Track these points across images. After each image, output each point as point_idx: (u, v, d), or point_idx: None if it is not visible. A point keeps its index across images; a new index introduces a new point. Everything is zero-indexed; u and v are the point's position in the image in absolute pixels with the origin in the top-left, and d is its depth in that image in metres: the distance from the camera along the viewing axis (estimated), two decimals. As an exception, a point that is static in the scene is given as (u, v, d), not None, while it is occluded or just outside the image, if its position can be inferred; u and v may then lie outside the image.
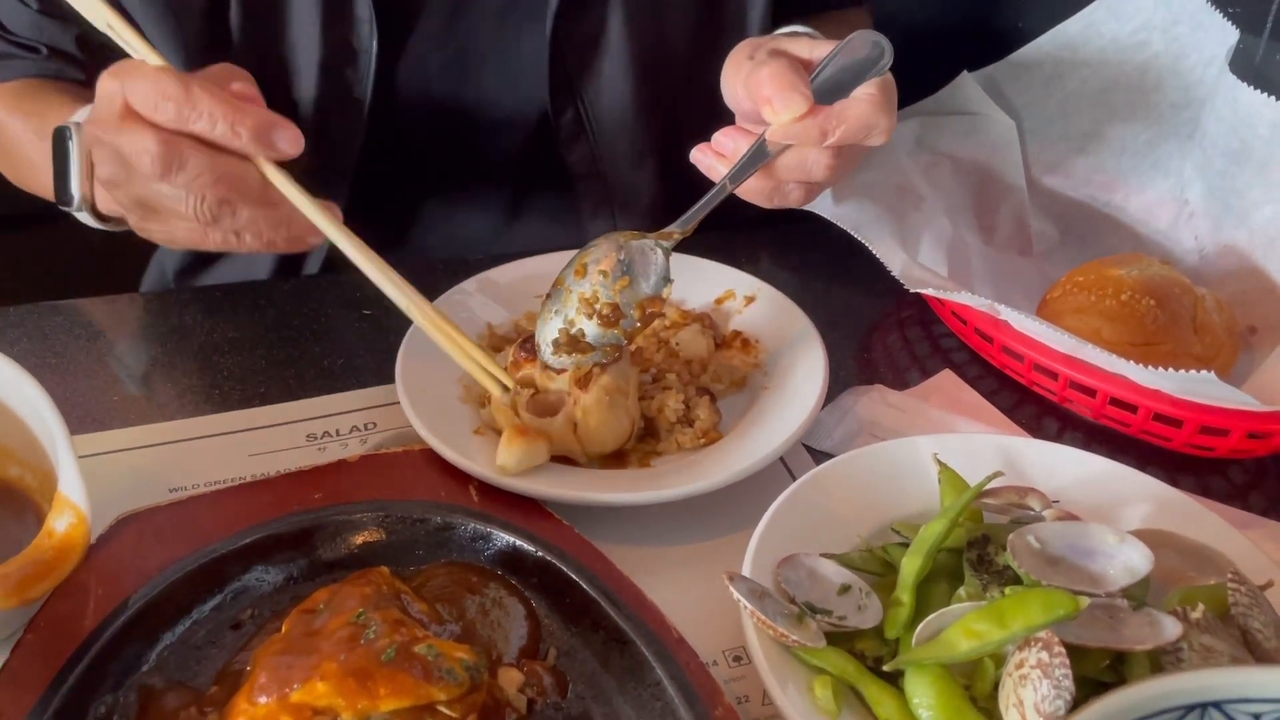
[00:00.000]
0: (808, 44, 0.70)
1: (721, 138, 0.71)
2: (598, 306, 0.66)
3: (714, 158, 0.71)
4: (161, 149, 0.61)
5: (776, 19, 0.88)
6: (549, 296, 0.67)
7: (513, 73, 0.87)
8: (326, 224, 0.66)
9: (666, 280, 0.66)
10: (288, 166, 0.66)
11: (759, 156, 0.68)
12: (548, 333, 0.66)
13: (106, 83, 0.63)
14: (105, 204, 0.72)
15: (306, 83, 0.83)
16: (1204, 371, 0.58)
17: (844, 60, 0.68)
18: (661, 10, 0.86)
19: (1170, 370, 0.59)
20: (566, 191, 0.92)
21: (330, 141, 0.85)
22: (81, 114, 0.72)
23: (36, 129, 0.80)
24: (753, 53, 0.71)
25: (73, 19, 0.70)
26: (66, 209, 0.73)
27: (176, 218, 0.65)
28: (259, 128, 0.62)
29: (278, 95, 0.84)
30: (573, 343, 0.66)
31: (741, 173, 0.68)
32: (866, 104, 0.65)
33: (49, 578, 0.50)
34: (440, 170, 0.92)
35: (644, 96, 0.88)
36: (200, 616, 0.55)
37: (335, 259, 0.90)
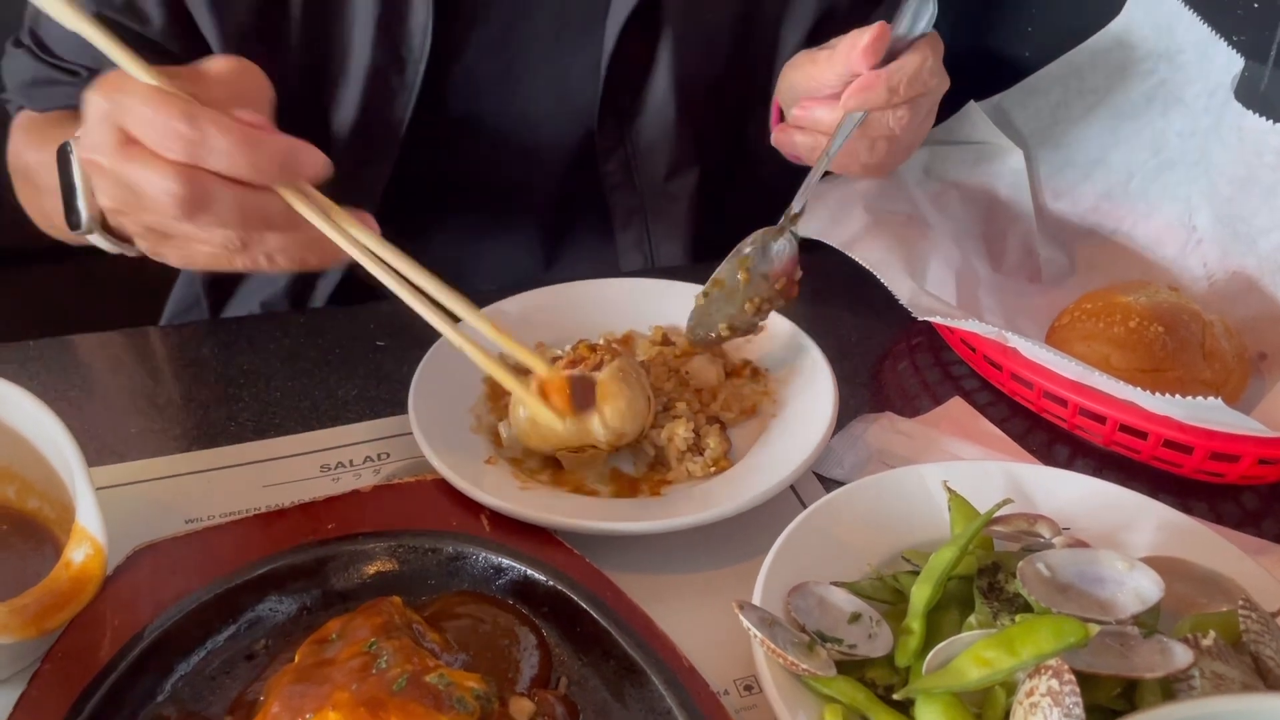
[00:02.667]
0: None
1: (809, 109, 0.76)
2: (758, 302, 0.73)
3: (805, 134, 0.77)
4: (184, 190, 0.56)
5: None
6: (708, 296, 0.74)
7: (561, 90, 0.89)
8: (349, 246, 0.62)
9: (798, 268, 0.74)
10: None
11: (845, 129, 0.74)
12: (710, 325, 0.74)
13: (96, 102, 0.58)
14: (118, 222, 0.68)
15: (351, 91, 0.84)
16: (1212, 398, 0.58)
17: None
18: (706, 37, 0.89)
19: (1178, 397, 0.59)
20: (602, 205, 0.94)
21: (363, 157, 0.86)
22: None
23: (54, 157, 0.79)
24: (815, 53, 0.78)
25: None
26: (79, 233, 0.69)
27: (197, 243, 0.62)
28: (282, 160, 0.58)
29: (318, 101, 0.84)
30: (732, 331, 0.74)
31: (836, 147, 0.74)
32: (917, 57, 0.71)
33: (66, 609, 0.50)
34: (478, 189, 0.93)
35: (682, 113, 0.90)
36: (215, 647, 0.55)
37: (345, 290, 0.92)
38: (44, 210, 0.84)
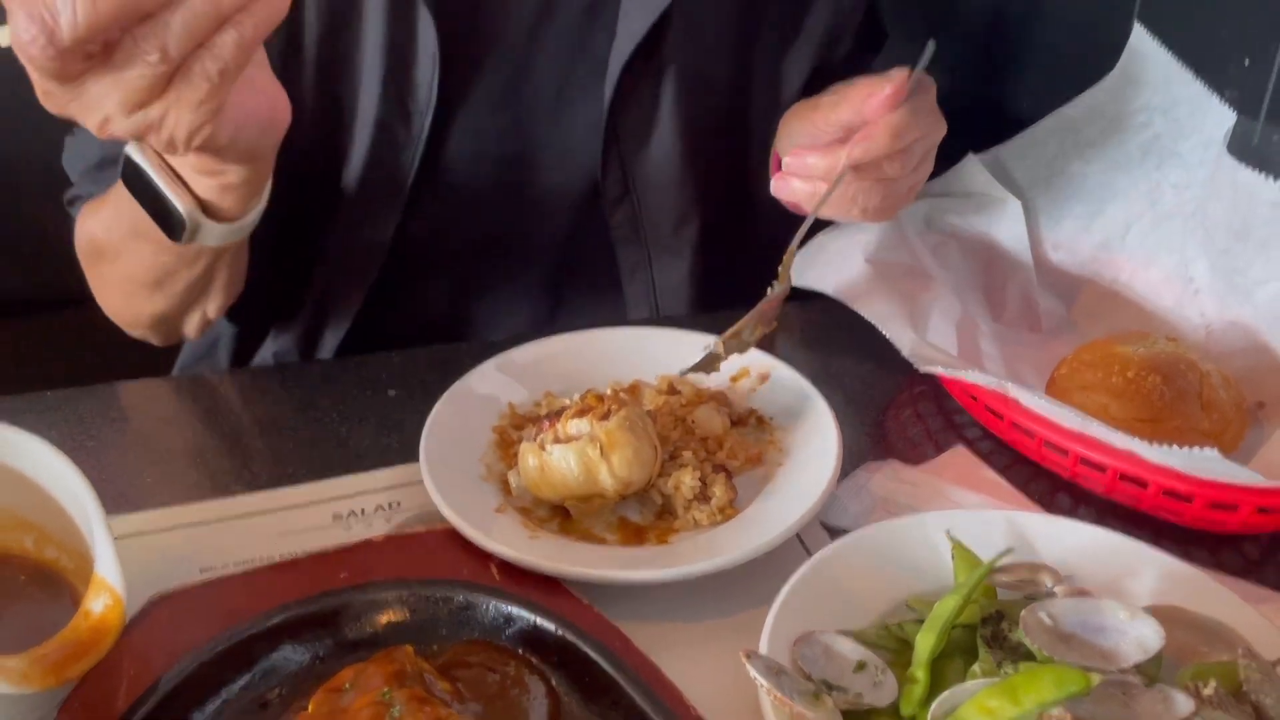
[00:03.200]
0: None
1: (802, 157, 0.79)
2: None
3: (804, 181, 0.79)
4: (21, 8, 0.50)
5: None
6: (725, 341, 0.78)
7: (565, 141, 0.91)
8: None
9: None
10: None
11: (837, 180, 0.77)
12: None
13: None
14: (205, 188, 0.69)
15: (359, 144, 0.86)
16: (1207, 449, 0.59)
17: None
18: (705, 88, 0.91)
19: (1175, 447, 0.60)
20: (607, 255, 0.96)
21: (371, 208, 0.88)
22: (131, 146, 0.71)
23: (116, 204, 0.78)
24: (817, 101, 0.81)
25: None
26: (185, 235, 0.71)
27: (156, 103, 0.56)
28: None
29: (328, 153, 0.86)
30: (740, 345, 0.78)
31: (828, 194, 0.77)
32: (916, 104, 0.75)
33: (85, 659, 0.51)
34: (483, 240, 0.95)
35: (685, 165, 0.92)
36: (229, 696, 0.56)
37: (354, 339, 0.94)
38: (121, 276, 0.85)
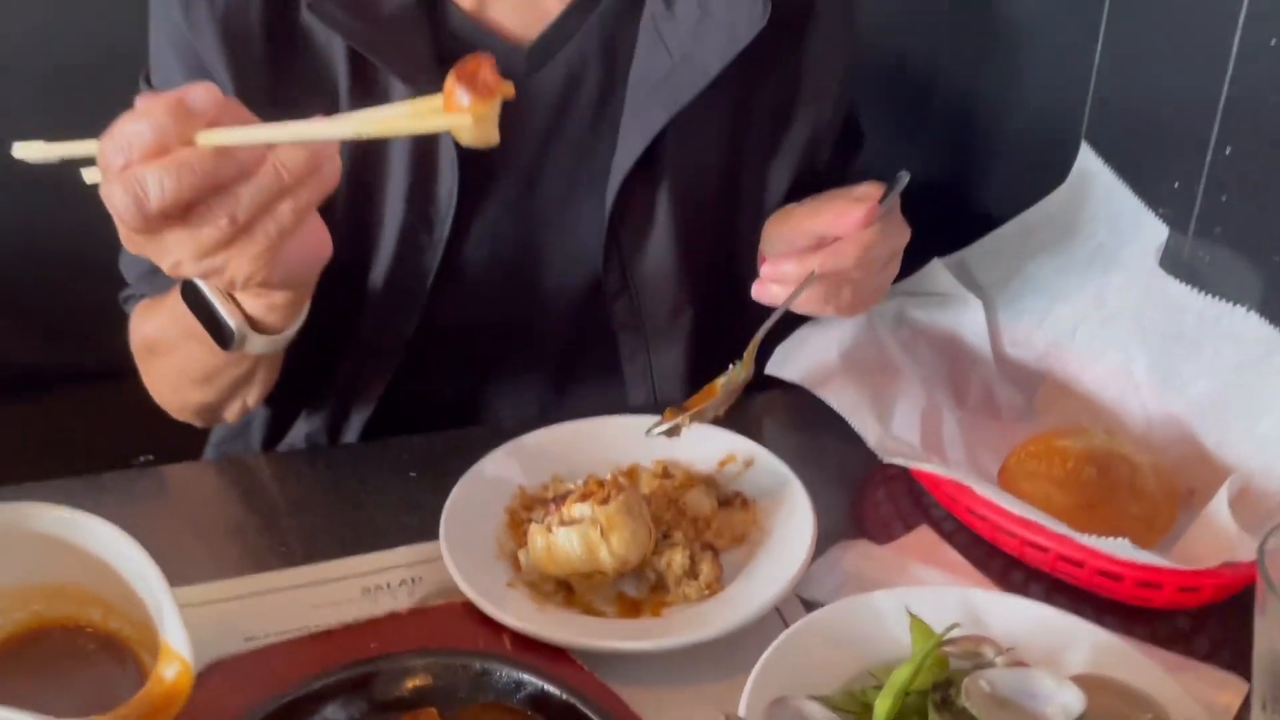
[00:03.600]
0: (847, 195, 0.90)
1: (778, 265, 0.89)
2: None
3: (780, 286, 0.89)
4: (124, 189, 0.61)
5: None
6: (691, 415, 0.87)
7: (571, 241, 1.00)
8: (274, 130, 0.63)
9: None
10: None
11: (805, 283, 0.87)
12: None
13: None
14: (255, 308, 0.80)
15: (385, 248, 0.95)
16: (1120, 539, 0.68)
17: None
18: (697, 194, 1.00)
19: (1094, 536, 0.70)
20: (608, 342, 1.05)
21: (394, 305, 0.97)
22: None
23: (171, 311, 0.87)
24: (795, 209, 0.91)
25: None
26: (234, 345, 0.81)
27: (221, 253, 0.66)
28: (167, 106, 0.62)
29: (357, 258, 0.95)
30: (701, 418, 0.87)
31: (795, 296, 0.87)
32: (883, 224, 0.86)
33: (158, 719, 0.60)
34: (494, 329, 1.04)
35: (680, 261, 1.01)
36: (278, 752, 0.65)
37: (377, 423, 1.03)
38: (172, 371, 0.95)
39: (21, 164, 1.34)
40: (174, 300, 0.85)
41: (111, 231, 0.97)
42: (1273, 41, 0.82)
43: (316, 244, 0.76)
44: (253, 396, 0.95)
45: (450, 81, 0.61)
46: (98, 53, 1.30)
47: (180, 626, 0.63)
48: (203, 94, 0.63)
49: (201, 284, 0.80)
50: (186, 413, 1.00)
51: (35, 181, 1.32)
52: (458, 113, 0.61)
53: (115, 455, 1.01)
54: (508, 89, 0.63)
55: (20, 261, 1.36)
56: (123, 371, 1.04)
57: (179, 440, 1.07)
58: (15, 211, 1.34)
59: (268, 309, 0.80)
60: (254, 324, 0.82)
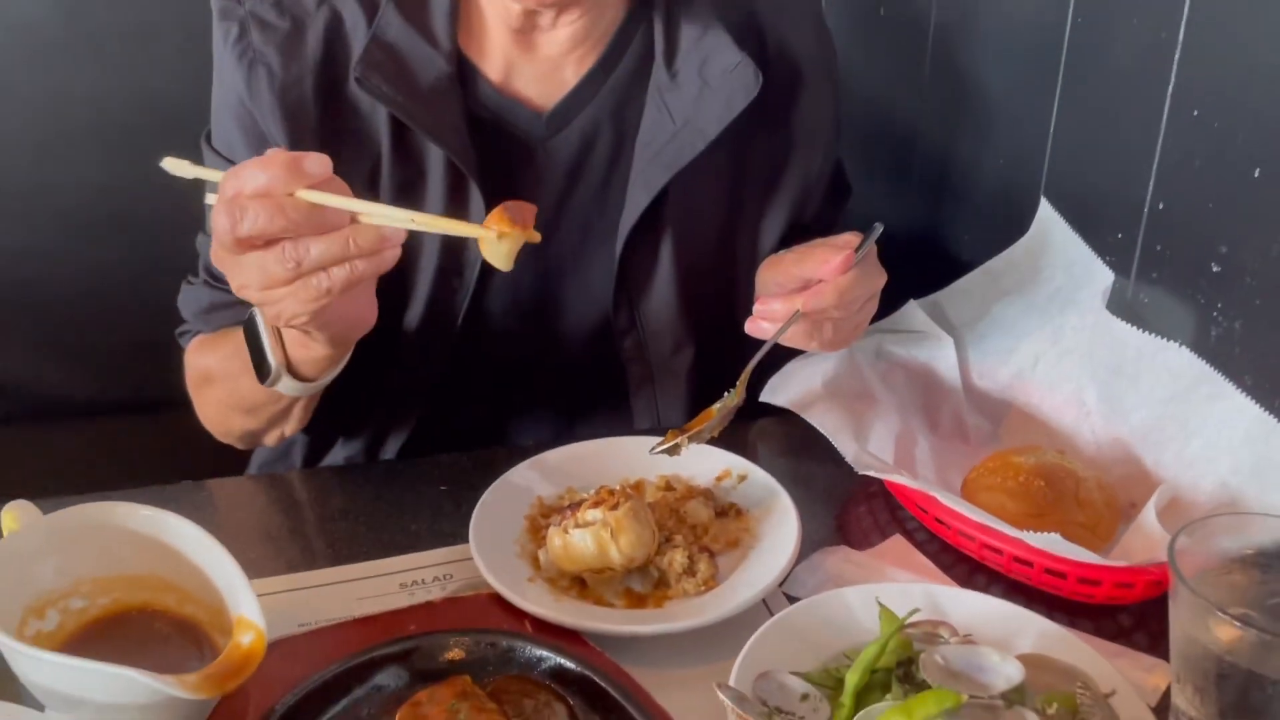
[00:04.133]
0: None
1: (767, 304, 0.98)
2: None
3: (770, 323, 0.98)
4: (227, 210, 0.75)
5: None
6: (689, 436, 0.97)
7: (584, 285, 1.11)
8: (365, 205, 0.76)
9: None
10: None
11: (791, 320, 0.96)
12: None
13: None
14: (296, 353, 0.91)
15: (421, 291, 1.05)
16: (1051, 534, 0.79)
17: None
18: (697, 243, 1.11)
19: (1035, 532, 0.81)
20: (617, 375, 1.15)
21: (427, 342, 1.07)
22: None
23: (233, 345, 0.99)
24: (784, 255, 1.00)
25: None
26: (269, 381, 0.93)
27: (280, 289, 0.78)
28: (285, 163, 0.74)
29: (396, 302, 1.06)
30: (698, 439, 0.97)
31: (782, 331, 0.97)
32: (860, 271, 0.96)
33: (238, 677, 0.70)
34: (513, 364, 1.14)
35: (682, 303, 1.11)
36: (333, 714, 0.75)
37: (410, 447, 1.14)
38: (220, 399, 1.07)
39: (89, 212, 1.48)
40: (236, 337, 0.97)
41: (166, 279, 1.13)
42: (1195, 113, 0.94)
43: (363, 310, 0.89)
44: (290, 428, 1.07)
45: (500, 209, 0.79)
46: (144, 108, 1.45)
47: (255, 600, 0.74)
48: (317, 163, 0.75)
49: (260, 322, 0.92)
50: (231, 436, 1.12)
51: (94, 226, 1.46)
52: (493, 229, 0.78)
53: (159, 479, 1.10)
54: (534, 236, 0.80)
55: (85, 301, 1.48)
56: (164, 404, 1.15)
57: (220, 466, 1.17)
58: (80, 256, 1.48)
59: (308, 359, 0.92)
60: (292, 369, 0.94)
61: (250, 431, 1.09)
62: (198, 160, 0.85)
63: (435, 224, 0.79)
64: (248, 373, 0.96)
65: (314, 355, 0.93)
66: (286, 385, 0.95)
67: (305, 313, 0.80)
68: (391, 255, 0.77)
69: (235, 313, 1.01)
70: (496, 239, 0.78)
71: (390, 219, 0.77)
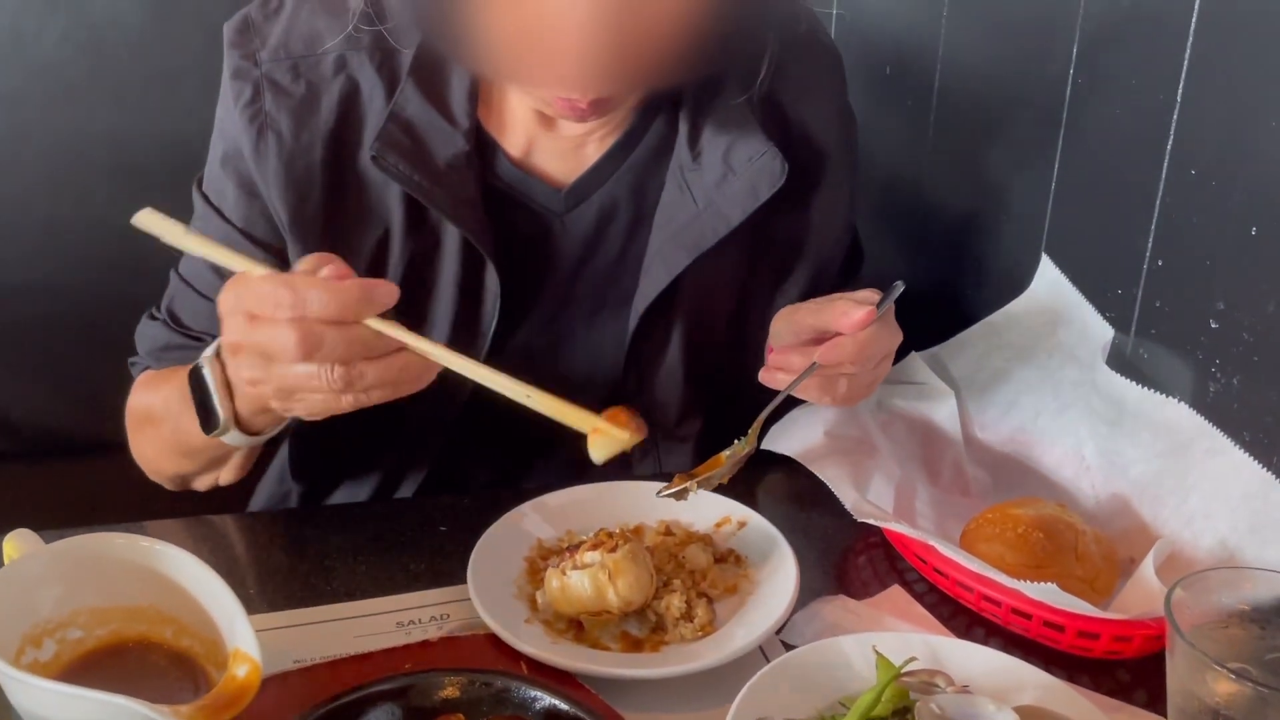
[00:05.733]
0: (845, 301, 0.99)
1: (786, 355, 0.99)
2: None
3: (785, 374, 0.98)
4: (299, 334, 0.75)
5: None
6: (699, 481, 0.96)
7: (594, 357, 1.10)
8: (430, 347, 0.81)
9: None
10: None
11: (807, 371, 0.96)
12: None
13: (227, 298, 0.80)
14: (246, 411, 0.89)
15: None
16: (1048, 585, 0.79)
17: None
18: (709, 321, 1.12)
19: (1031, 582, 0.80)
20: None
21: (440, 403, 1.05)
22: (208, 353, 0.89)
23: (176, 388, 0.97)
24: (800, 306, 1.00)
25: None
26: (214, 433, 0.91)
27: (312, 392, 0.80)
28: (360, 294, 0.76)
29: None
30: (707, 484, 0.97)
31: (797, 382, 0.97)
32: (878, 327, 0.95)
33: (232, 710, 0.70)
34: (522, 430, 1.11)
35: (689, 378, 1.12)
36: (326, 750, 0.75)
37: (423, 487, 1.14)
38: (160, 440, 1.05)
39: (102, 252, 1.49)
40: (182, 378, 0.95)
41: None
42: (1193, 172, 0.95)
43: None
44: (225, 477, 1.06)
45: (628, 413, 0.87)
46: (162, 151, 1.47)
47: (251, 633, 0.74)
48: (388, 293, 0.78)
49: (206, 372, 0.89)
50: (162, 477, 1.11)
51: (106, 267, 1.48)
52: (618, 428, 0.86)
53: (161, 514, 1.10)
54: (638, 438, 0.86)
55: (94, 339, 1.49)
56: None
57: (224, 504, 1.17)
58: (90, 295, 1.50)
59: (261, 420, 0.92)
60: (240, 421, 0.92)
61: (182, 475, 1.08)
62: (187, 202, 0.85)
63: (552, 407, 0.85)
64: (190, 415, 0.93)
65: (269, 418, 0.93)
66: (233, 438, 0.92)
67: (320, 415, 0.82)
68: (425, 383, 0.81)
69: (188, 354, 0.98)
70: (613, 443, 0.85)
71: (504, 388, 0.85)
